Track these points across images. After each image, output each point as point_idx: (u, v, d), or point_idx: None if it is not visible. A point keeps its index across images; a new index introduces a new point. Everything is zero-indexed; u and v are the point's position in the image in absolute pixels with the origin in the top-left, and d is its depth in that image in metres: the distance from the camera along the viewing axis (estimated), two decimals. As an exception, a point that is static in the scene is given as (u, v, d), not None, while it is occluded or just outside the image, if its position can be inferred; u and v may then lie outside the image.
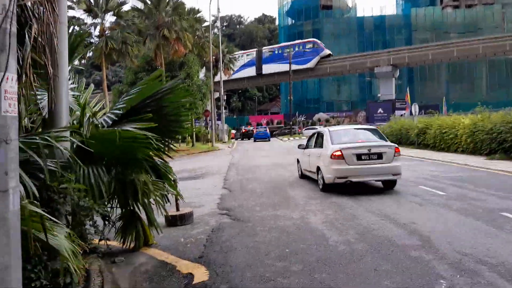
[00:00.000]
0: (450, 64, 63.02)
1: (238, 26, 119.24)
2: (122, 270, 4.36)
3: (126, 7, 28.42)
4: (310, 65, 59.07)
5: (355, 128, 10.36)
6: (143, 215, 5.00)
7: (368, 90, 70.78)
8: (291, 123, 44.80)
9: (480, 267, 3.88)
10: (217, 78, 43.63)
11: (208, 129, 35.15)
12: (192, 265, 4.41)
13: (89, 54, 29.09)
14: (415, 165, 13.28)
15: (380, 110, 58.69)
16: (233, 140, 45.26)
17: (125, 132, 4.19)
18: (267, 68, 62.31)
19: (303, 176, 11.13)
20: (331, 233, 5.38)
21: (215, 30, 40.94)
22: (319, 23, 70.57)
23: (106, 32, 27.52)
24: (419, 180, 9.84)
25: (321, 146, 9.29)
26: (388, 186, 8.73)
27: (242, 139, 47.91)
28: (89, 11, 27.31)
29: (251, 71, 64.38)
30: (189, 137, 30.32)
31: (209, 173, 14.05)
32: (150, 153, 4.93)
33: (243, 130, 50.52)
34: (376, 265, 4.07)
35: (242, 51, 66.63)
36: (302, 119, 63.37)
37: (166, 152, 5.30)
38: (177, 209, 6.54)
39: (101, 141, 4.30)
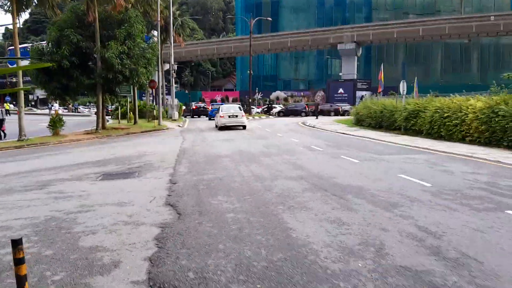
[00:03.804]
0: (408, 46, 61.70)
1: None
2: None
3: None
4: None
5: (232, 104, 30.37)
6: None
7: (325, 69, 68.15)
8: (250, 100, 40.43)
9: None
10: (166, 50, 38.10)
11: (154, 103, 30.06)
12: None
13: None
14: (435, 161, 9.77)
15: (340, 90, 55.98)
16: (183, 118, 40.23)
17: None
18: None
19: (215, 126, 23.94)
20: None
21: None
22: (278, -5, 66.24)
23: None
24: (478, 193, 6.22)
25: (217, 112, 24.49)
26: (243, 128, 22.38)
27: (192, 117, 42.90)
28: None
29: None
30: (131, 112, 25.14)
31: (148, 167, 9.62)
32: None
33: (194, 107, 45.33)
34: None
35: None
36: (259, 97, 59.41)
37: None
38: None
39: None
